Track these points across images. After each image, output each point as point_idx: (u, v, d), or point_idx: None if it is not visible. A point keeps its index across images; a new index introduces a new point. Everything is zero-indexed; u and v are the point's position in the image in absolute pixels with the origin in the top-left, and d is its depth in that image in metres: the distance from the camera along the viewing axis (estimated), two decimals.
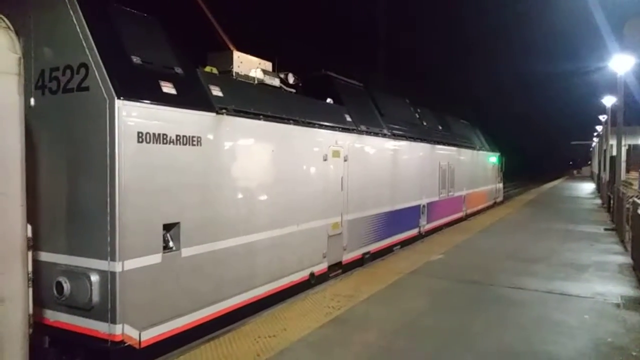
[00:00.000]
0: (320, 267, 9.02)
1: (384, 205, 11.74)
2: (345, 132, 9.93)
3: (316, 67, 9.60)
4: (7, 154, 4.01)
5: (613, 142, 28.55)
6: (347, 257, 9.98)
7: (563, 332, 6.15)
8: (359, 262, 10.44)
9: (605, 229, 15.45)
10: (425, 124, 15.93)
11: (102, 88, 5.13)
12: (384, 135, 11.87)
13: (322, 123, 9.12)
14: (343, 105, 10.42)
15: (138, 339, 5.36)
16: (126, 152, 5.19)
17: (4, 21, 4.17)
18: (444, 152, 16.73)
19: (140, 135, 5.34)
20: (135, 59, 5.61)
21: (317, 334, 6.00)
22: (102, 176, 5.15)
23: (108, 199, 5.13)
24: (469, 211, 20.01)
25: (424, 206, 14.59)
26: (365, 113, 11.40)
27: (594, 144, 65.13)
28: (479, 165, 22.50)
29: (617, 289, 8.23)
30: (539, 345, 5.73)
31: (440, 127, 17.56)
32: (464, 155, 19.58)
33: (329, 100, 10.23)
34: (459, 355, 5.47)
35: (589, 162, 78.86)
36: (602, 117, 40.35)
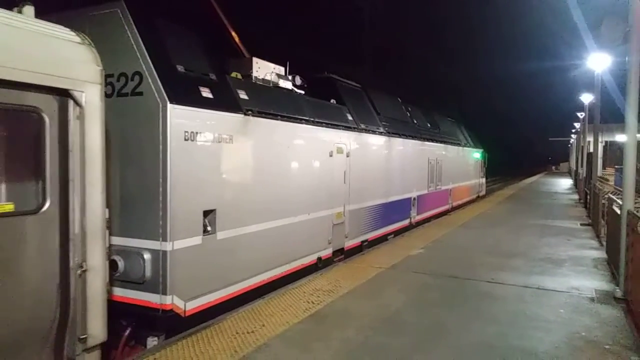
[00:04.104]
0: (326, 252, 9.98)
1: (380, 197, 12.75)
2: (348, 130, 10.89)
3: (304, 63, 10.22)
4: (93, 148, 4.85)
5: (590, 138, 29.36)
6: (348, 243, 10.96)
7: (539, 327, 6.27)
8: (359, 249, 11.43)
9: (582, 224, 15.77)
10: (415, 121, 16.98)
11: (156, 94, 5.99)
12: (380, 133, 12.86)
13: (328, 122, 10.06)
14: (345, 105, 11.38)
15: (183, 308, 6.26)
16: (175, 149, 6.06)
17: (86, 39, 5.00)
18: (432, 148, 17.82)
19: (186, 134, 6.22)
20: (180, 68, 6.48)
21: (295, 330, 6.04)
22: (155, 169, 6.01)
23: (160, 189, 6.01)
24: (454, 204, 21.18)
25: (414, 199, 15.66)
26: (364, 112, 12.37)
27: (572, 140, 66.95)
28: (464, 160, 23.70)
29: (592, 283, 8.43)
30: (516, 339, 5.85)
31: (428, 125, 18.62)
32: (450, 152, 20.72)
33: (332, 100, 11.16)
34: (436, 349, 5.56)
35: (568, 159, 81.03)
36: (580, 115, 41.33)
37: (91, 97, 4.82)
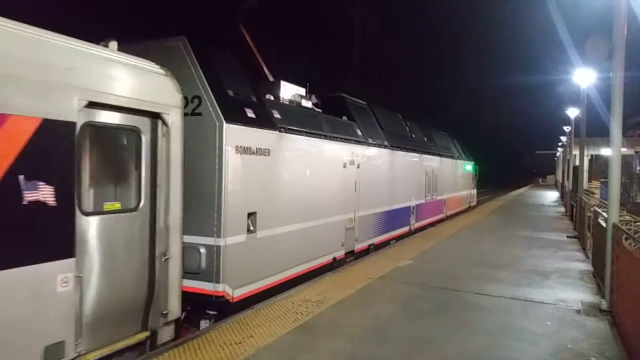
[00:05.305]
0: (340, 253, 11.17)
1: (385, 205, 14.01)
2: (358, 144, 12.14)
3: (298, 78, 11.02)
4: (175, 160, 6.00)
5: (576, 152, 29.54)
6: (358, 246, 12.16)
7: (526, 338, 6.30)
8: (366, 252, 12.63)
9: (568, 237, 15.95)
10: (414, 136, 18.33)
11: (213, 115, 7.18)
12: (385, 147, 14.15)
13: (343, 137, 11.31)
14: (355, 122, 12.64)
15: (232, 295, 7.40)
16: (229, 161, 7.24)
17: (169, 71, 6.18)
18: (429, 161, 19.17)
19: (236, 148, 7.41)
20: (230, 92, 7.68)
21: (284, 341, 6.02)
22: (212, 177, 7.17)
23: (216, 194, 7.17)
24: (448, 213, 22.51)
25: (413, 207, 16.94)
26: (371, 128, 13.66)
27: (558, 153, 68.64)
28: (457, 172, 25.11)
29: (578, 295, 8.49)
30: (503, 351, 5.87)
31: (425, 139, 19.98)
32: (445, 164, 22.09)
33: (343, 117, 12.42)
34: None
35: (555, 172, 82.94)
36: (566, 128, 42.14)
37: (174, 118, 6.01)
